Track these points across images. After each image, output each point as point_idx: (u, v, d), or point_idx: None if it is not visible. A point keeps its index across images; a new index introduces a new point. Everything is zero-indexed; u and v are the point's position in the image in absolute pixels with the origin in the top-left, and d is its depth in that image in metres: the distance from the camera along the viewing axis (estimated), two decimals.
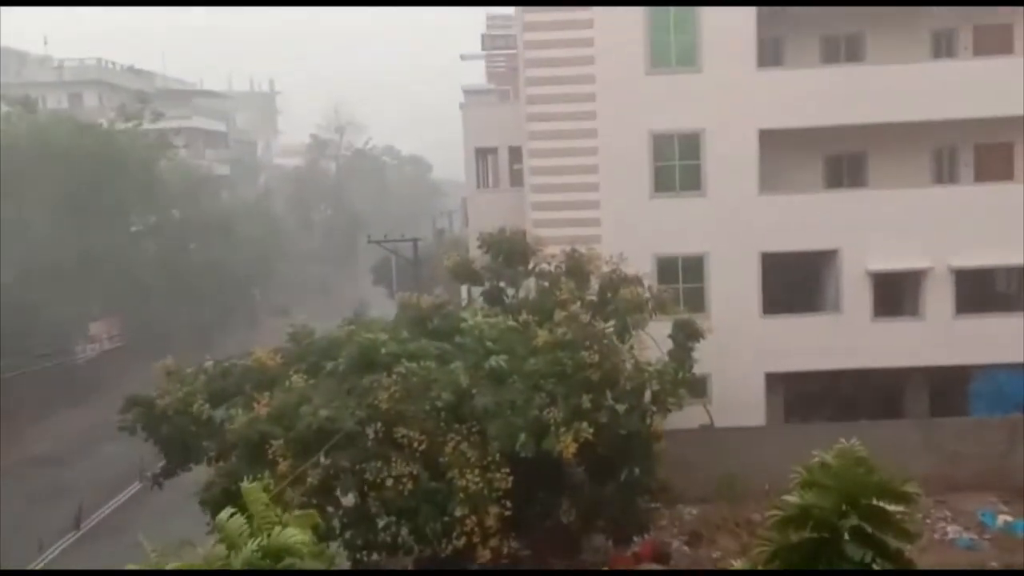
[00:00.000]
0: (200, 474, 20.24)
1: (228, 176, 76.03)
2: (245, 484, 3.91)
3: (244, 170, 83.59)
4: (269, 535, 3.64)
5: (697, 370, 23.56)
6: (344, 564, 18.98)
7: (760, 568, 4.34)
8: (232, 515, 3.79)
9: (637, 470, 21.58)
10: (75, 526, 30.04)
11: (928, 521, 22.76)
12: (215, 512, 17.76)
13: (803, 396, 28.64)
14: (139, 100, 57.80)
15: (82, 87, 69.46)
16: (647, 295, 23.17)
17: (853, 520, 4.24)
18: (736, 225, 27.29)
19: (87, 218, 47.22)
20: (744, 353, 26.90)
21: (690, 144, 27.62)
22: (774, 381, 28.19)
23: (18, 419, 40.94)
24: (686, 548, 23.45)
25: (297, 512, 3.87)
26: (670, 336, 23.23)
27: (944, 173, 29.36)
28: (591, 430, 19.52)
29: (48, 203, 45.56)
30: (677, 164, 27.81)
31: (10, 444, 39.08)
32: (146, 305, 51.76)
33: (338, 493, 19.16)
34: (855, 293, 27.62)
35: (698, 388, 25.23)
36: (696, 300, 27.14)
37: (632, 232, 26.81)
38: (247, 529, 3.78)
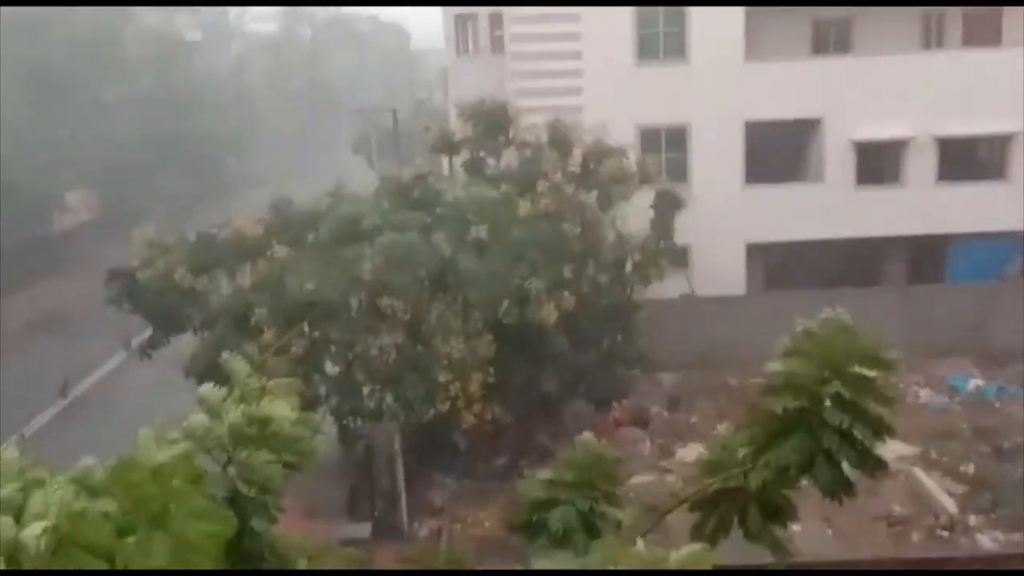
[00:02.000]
0: (187, 345, 20.46)
1: (200, 43, 74.03)
2: (225, 355, 3.94)
3: (217, 36, 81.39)
4: (255, 404, 3.69)
5: (678, 240, 23.73)
6: (330, 430, 19.41)
7: (743, 434, 4.46)
8: (214, 385, 3.83)
9: (618, 338, 21.98)
10: (62, 394, 30.40)
11: (902, 386, 23.39)
12: (202, 382, 18.03)
13: (783, 266, 28.96)
14: None
15: None
16: (631, 166, 23.10)
17: (834, 387, 4.33)
18: (720, 93, 27.03)
19: (55, 91, 46.24)
20: (725, 223, 27.03)
21: (674, 10, 27.08)
22: (755, 251, 28.45)
23: None
24: (665, 413, 24.07)
25: (281, 379, 3.92)
26: (652, 207, 23.27)
27: (932, 38, 29.00)
28: (573, 300, 19.81)
29: (13, 76, 44.49)
30: (661, 31, 27.33)
31: None
32: (121, 178, 51.19)
33: (324, 361, 19.45)
34: (838, 162, 27.66)
35: (679, 258, 25.43)
36: (679, 171, 27.11)
37: (615, 102, 26.53)
38: (230, 398, 3.84)
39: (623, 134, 24.55)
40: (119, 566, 2.88)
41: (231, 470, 3.65)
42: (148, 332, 21.96)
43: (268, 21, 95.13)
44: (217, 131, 59.22)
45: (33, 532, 2.74)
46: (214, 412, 3.72)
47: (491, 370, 19.21)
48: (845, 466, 4.45)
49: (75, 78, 47.88)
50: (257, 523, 3.65)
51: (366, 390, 18.96)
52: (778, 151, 27.99)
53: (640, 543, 3.99)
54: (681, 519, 4.91)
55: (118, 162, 50.42)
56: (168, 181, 53.67)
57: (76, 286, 39.18)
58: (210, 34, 78.44)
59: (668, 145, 27.61)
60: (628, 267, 21.67)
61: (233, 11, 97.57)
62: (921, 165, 27.51)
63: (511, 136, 23.63)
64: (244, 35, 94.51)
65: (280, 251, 19.86)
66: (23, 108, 44.16)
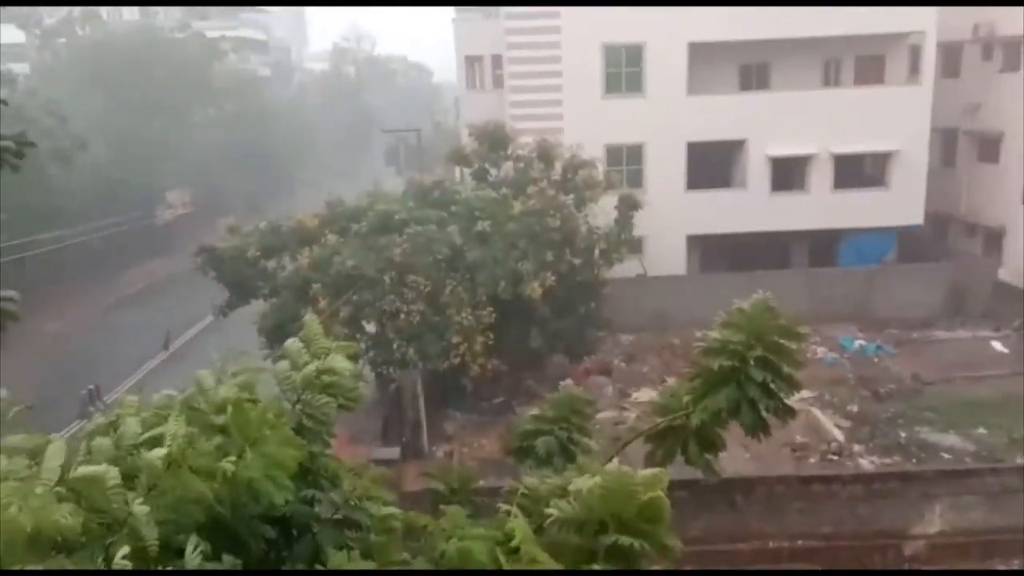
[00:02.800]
0: (256, 311, 20.47)
1: (269, 77, 73.45)
2: (308, 316, 3.98)
3: (281, 73, 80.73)
4: (323, 359, 3.75)
5: (636, 233, 23.70)
6: (369, 377, 19.46)
7: (687, 384, 4.53)
8: (294, 342, 3.89)
9: (589, 307, 22.04)
10: (165, 347, 30.43)
11: (804, 345, 23.46)
12: (269, 338, 17.98)
13: (715, 252, 29.01)
14: (196, 15, 55.27)
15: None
16: (599, 175, 23.05)
17: (758, 351, 4.43)
18: (668, 120, 26.92)
19: (158, 111, 45.91)
20: (671, 219, 27.01)
21: (634, 54, 26.91)
22: (693, 241, 28.46)
23: (111, 267, 40.86)
24: (623, 365, 24.18)
25: (342, 343, 3.97)
26: (616, 207, 23.25)
27: (831, 78, 28.90)
28: (554, 278, 19.88)
29: (128, 99, 44.18)
30: (624, 71, 27.15)
31: (106, 287, 39.13)
32: (209, 181, 51.02)
33: (364, 323, 19.48)
34: (758, 173, 27.61)
35: (636, 246, 25.39)
36: (636, 179, 27.06)
37: (588, 125, 26.41)
38: (305, 354, 3.89)
39: (594, 150, 24.48)
40: (220, 483, 2.94)
41: (298, 407, 3.71)
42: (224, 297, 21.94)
43: (321, 61, 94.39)
44: (282, 146, 58.97)
45: (157, 454, 2.80)
46: (294, 362, 3.77)
47: (491, 334, 19.26)
48: (763, 412, 4.55)
49: (174, 102, 47.55)
50: (316, 447, 3.72)
51: (395, 345, 19.01)
52: (712, 164, 27.98)
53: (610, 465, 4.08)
54: (636, 448, 4.98)
55: (208, 168, 50.23)
56: (245, 183, 53.53)
57: (175, 264, 39.16)
58: (276, 71, 77.91)
59: (628, 159, 27.52)
60: (596, 253, 21.69)
61: (294, 51, 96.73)
62: (821, 175, 27.49)
63: (508, 151, 23.58)
64: (302, 71, 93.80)
65: (331, 238, 19.85)
66: (136, 125, 43.85)
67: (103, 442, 3.09)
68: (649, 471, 3.53)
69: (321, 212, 21.40)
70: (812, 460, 18.02)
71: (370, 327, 19.64)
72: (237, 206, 46.87)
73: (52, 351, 29.95)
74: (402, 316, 18.63)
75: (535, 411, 5.67)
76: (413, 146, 39.95)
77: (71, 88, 41.28)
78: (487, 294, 19.41)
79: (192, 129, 50.63)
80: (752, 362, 4.47)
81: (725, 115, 27.09)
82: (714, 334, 4.52)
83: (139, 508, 2.67)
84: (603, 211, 22.52)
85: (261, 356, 15.53)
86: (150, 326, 32.48)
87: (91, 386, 23.25)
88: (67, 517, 2.47)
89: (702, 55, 26.81)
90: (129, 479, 2.81)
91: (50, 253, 33.14)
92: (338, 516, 3.65)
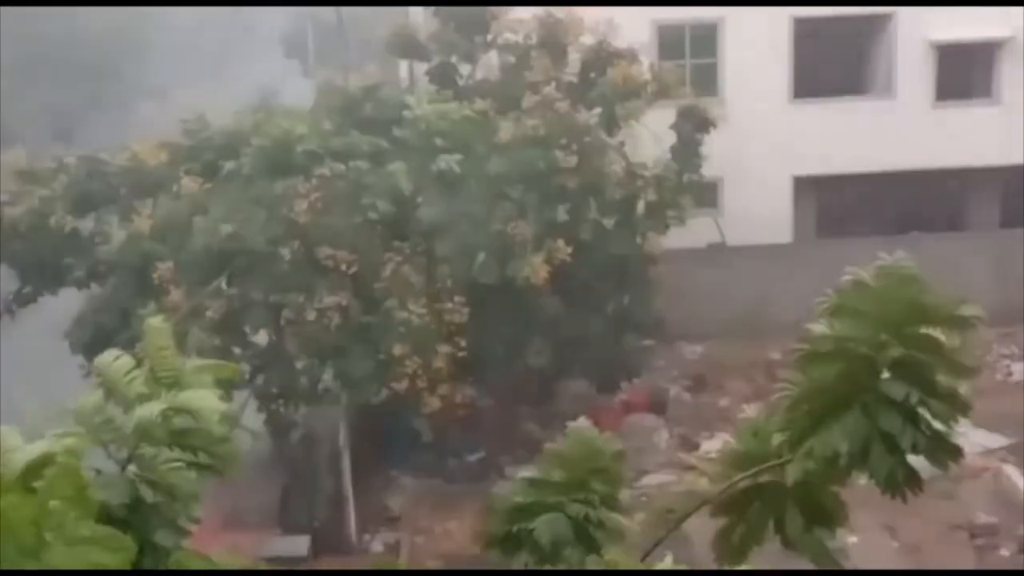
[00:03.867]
0: (68, 302, 20.46)
1: None
2: (148, 317, 3.99)
3: None
4: (172, 390, 3.74)
5: (706, 172, 23.68)
6: (253, 417, 19.50)
7: (778, 416, 4.58)
8: (118, 358, 3.88)
9: (627, 300, 22.05)
10: None
11: (989, 358, 23.59)
12: (87, 353, 17.93)
13: (842, 206, 28.97)
14: None
15: None
16: (644, 74, 23.06)
17: (895, 352, 4.37)
18: None
19: None
20: (767, 150, 26.96)
21: None
22: (805, 187, 28.44)
23: None
24: (687, 395, 24.25)
25: (205, 361, 3.96)
26: (672, 128, 23.23)
27: None
28: (569, 250, 19.89)
29: None
30: None
31: None
32: None
33: (246, 329, 19.52)
34: (912, 71, 27.57)
35: (707, 196, 25.41)
36: (707, 81, 26.99)
37: None
38: (138, 377, 3.88)
39: (635, 32, 24.41)
40: None
41: (131, 469, 3.72)
42: (14, 286, 21.87)
43: None
44: (105, 25, 58.61)
45: None
46: (115, 391, 3.75)
47: (462, 341, 19.30)
48: (909, 453, 4.53)
49: None
50: (163, 537, 3.73)
51: (300, 365, 19.03)
52: (835, 56, 27.89)
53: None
54: (703, 525, 5.02)
55: None
56: (43, 92, 53.22)
57: None
58: None
59: (693, 48, 27.44)
60: (640, 208, 21.68)
61: None
62: (1020, 75, 27.50)
63: (491, 36, 23.52)
64: None
65: (189, 184, 19.83)
66: None
67: None
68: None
69: (172, 140, 21.33)
70: (1004, 553, 18.10)
71: (258, 336, 19.63)
72: (30, 131, 46.66)
73: None
74: (311, 317, 18.66)
75: (532, 473, 5.70)
76: (330, 25, 39.85)
77: None
78: (455, 276, 19.43)
79: None
80: (886, 372, 4.49)
81: None
82: (820, 328, 4.54)
83: None
84: (651, 136, 22.51)
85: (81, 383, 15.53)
86: None
87: None
88: None
89: None
90: None
91: None
92: None
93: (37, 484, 3.18)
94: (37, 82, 52.94)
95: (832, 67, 27.88)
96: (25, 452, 3.35)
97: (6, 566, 3.07)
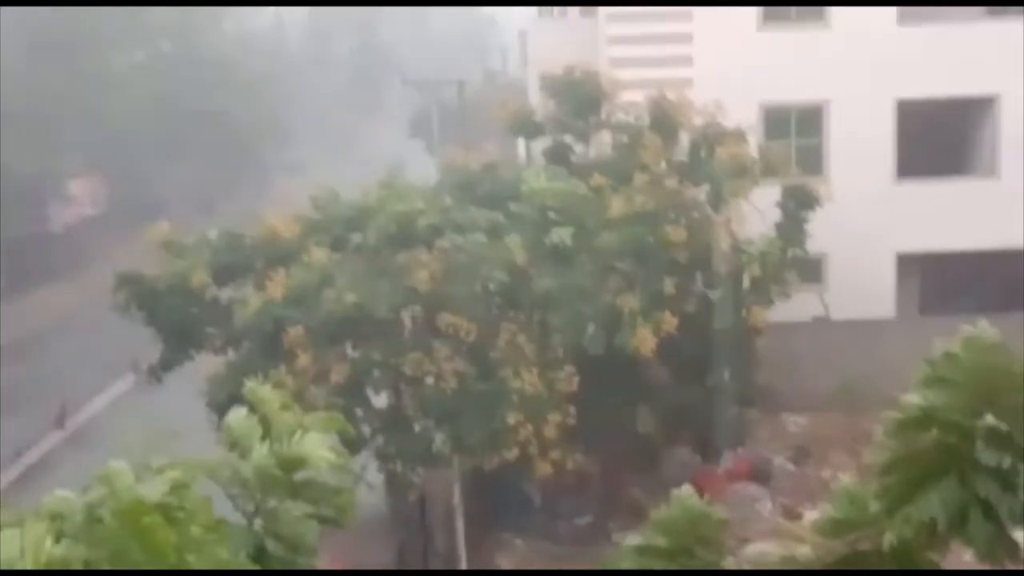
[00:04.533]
0: (206, 366, 20.87)
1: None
2: (250, 383, 4.06)
3: None
4: (287, 442, 3.80)
5: (810, 248, 23.43)
6: (374, 476, 19.65)
7: (875, 483, 4.48)
8: (244, 416, 3.96)
9: (731, 371, 21.80)
10: (59, 424, 31.21)
11: None
12: (222, 413, 18.33)
13: (945, 283, 28.40)
14: None
15: None
16: (751, 154, 22.97)
17: (988, 420, 4.27)
18: (867, 65, 26.65)
19: (61, 57, 47.48)
20: (871, 227, 26.61)
21: None
22: (908, 263, 27.97)
23: None
24: (790, 465, 23.79)
25: (319, 414, 4.03)
26: (778, 205, 23.07)
27: None
28: (675, 322, 19.78)
29: (14, 40, 45.87)
30: None
31: None
32: (133, 163, 52.31)
33: (368, 392, 19.69)
34: (1016, 151, 27.01)
35: (811, 271, 25.10)
36: (812, 160, 26.80)
37: (734, 74, 26.30)
38: (259, 432, 3.95)
39: (743, 114, 24.36)
40: None
41: (258, 522, 3.77)
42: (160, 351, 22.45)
43: None
44: (248, 108, 60.03)
45: None
46: (242, 447, 3.83)
47: (572, 409, 19.24)
48: (1006, 520, 4.37)
49: (86, 42, 49.06)
50: None
51: (418, 428, 19.14)
52: (939, 137, 27.49)
53: None
54: None
55: (131, 144, 51.45)
56: (188, 168, 54.64)
57: (78, 293, 40.26)
58: None
59: (799, 129, 27.32)
60: (746, 281, 21.50)
61: None
62: None
63: (604, 116, 23.67)
64: None
65: (319, 255, 20.19)
66: (27, 78, 45.32)
67: None
68: None
69: (304, 213, 21.80)
70: None
71: (379, 399, 19.81)
72: (175, 203, 48.07)
73: None
74: (429, 381, 18.78)
75: (638, 540, 5.65)
76: (453, 107, 40.54)
77: None
78: (566, 346, 19.43)
79: (110, 85, 52.18)
80: (980, 440, 4.34)
81: (963, 57, 26.69)
82: (913, 398, 4.43)
83: None
84: (757, 213, 22.37)
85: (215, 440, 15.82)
86: (38, 392, 33.34)
87: None
88: None
89: None
90: None
91: None
92: None
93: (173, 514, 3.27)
94: (182, 158, 54.41)
95: (936, 147, 27.48)
96: (145, 488, 3.43)
97: None
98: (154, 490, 3.39)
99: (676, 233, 20.35)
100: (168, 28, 57.06)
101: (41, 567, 3.02)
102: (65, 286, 43.96)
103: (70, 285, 43.53)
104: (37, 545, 3.22)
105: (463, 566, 19.69)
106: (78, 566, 3.14)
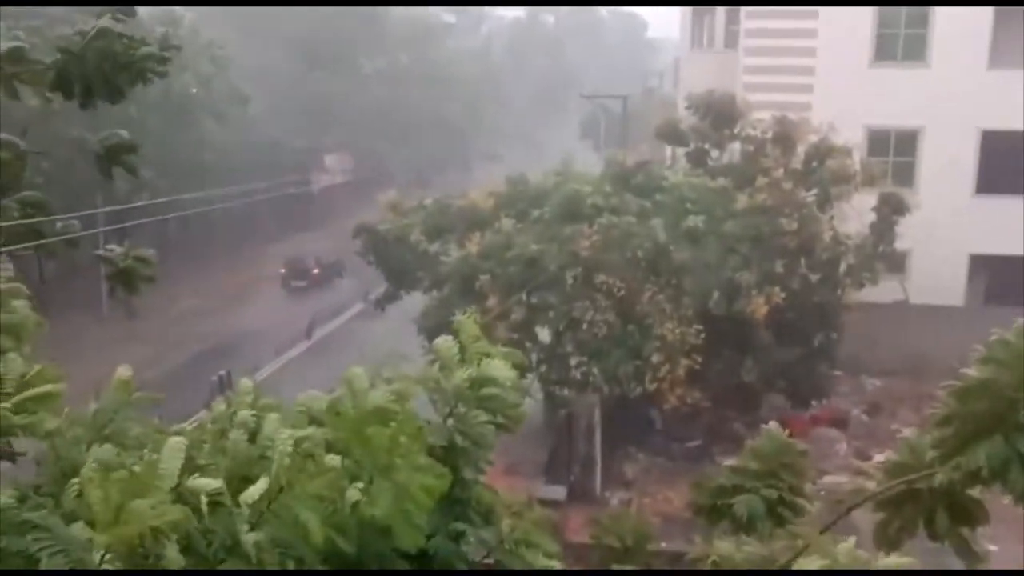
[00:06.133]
0: (414, 302, 21.38)
1: (452, 25, 76.43)
2: (458, 315, 4.12)
3: (469, 19, 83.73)
4: (478, 364, 3.84)
5: (898, 245, 22.57)
6: (537, 396, 19.80)
7: (931, 436, 4.28)
8: (448, 341, 4.02)
9: (824, 338, 21.22)
10: (307, 335, 32.52)
11: None
12: (430, 337, 18.71)
13: (1009, 281, 26.93)
14: None
15: None
16: (854, 166, 22.13)
17: None
18: (959, 98, 25.28)
19: (323, 62, 49.01)
20: (951, 231, 25.42)
21: (919, 12, 25.54)
22: (978, 263, 26.66)
23: (258, 238, 44.13)
24: (864, 417, 23.06)
25: (504, 348, 4.07)
26: (874, 209, 22.22)
27: None
28: (782, 295, 19.36)
29: (291, 46, 47.52)
30: (902, 32, 25.87)
31: (251, 261, 42.30)
32: (373, 146, 53.81)
33: (537, 330, 19.82)
34: None
35: (896, 263, 24.21)
36: (905, 175, 25.76)
37: (845, 101, 25.32)
38: (458, 356, 4.01)
39: (851, 134, 23.47)
40: (342, 514, 3.11)
41: (450, 422, 3.86)
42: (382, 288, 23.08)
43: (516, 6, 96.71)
44: (461, 108, 60.93)
45: (256, 490, 3.01)
46: (446, 366, 3.93)
47: (697, 358, 19.02)
48: None
49: (342, 51, 50.56)
50: (468, 472, 3.85)
51: (574, 361, 19.17)
52: (1013, 162, 25.97)
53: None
54: (865, 517, 4.73)
55: (372, 131, 52.97)
56: (414, 151, 55.92)
57: (328, 240, 41.72)
58: (462, 17, 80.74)
59: (896, 148, 26.21)
60: (842, 268, 20.85)
61: None
62: None
63: (737, 130, 23.14)
64: (492, 19, 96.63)
65: (507, 223, 20.37)
66: (297, 77, 47.03)
67: (238, 442, 3.35)
68: (892, 559, 3.35)
69: (498, 191, 22.02)
70: None
71: (544, 335, 19.96)
72: (402, 177, 49.28)
73: (185, 329, 32.85)
74: (584, 326, 18.78)
75: (734, 462, 5.51)
76: (617, 116, 40.18)
77: (231, 30, 45.03)
78: (695, 307, 19.17)
79: (359, 84, 53.64)
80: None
81: None
82: (971, 372, 4.23)
83: (247, 537, 2.89)
84: (855, 214, 21.60)
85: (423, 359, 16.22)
86: (293, 310, 34.78)
87: (222, 372, 25.29)
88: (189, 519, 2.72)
89: (1014, 12, 24.95)
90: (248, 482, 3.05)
91: (195, 217, 36.37)
92: (488, 560, 3.74)
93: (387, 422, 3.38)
94: (408, 143, 55.68)
95: (1010, 170, 25.97)
96: (375, 394, 3.53)
97: (365, 479, 3.24)
98: (381, 397, 3.49)
99: (788, 225, 19.85)
100: (405, 43, 58.18)
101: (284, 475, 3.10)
102: (319, 233, 45.62)
103: (322, 232, 45.14)
104: (296, 427, 3.35)
105: (598, 470, 19.69)
106: (322, 447, 3.24)
